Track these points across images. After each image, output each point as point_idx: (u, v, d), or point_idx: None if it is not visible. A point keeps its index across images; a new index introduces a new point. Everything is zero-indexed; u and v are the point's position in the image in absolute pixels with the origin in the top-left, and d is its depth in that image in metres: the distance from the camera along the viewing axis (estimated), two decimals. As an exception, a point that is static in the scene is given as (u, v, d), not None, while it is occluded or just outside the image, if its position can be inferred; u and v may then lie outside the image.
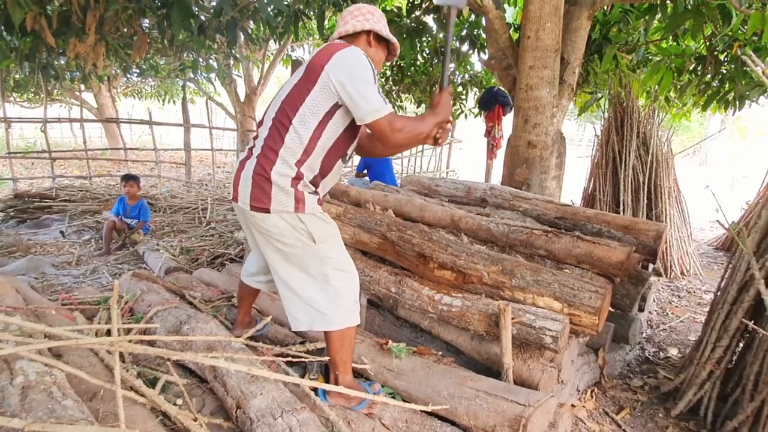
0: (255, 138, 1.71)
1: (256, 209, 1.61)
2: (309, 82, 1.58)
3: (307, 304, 1.69)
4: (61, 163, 9.77)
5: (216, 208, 5.93)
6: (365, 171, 5.82)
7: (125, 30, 4.24)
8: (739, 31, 4.05)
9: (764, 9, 3.32)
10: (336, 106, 1.59)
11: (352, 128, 1.68)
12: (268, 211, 1.60)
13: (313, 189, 1.67)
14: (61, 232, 5.10)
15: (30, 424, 1.13)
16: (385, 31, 1.77)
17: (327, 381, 1.80)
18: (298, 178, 1.60)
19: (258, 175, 1.59)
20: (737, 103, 4.45)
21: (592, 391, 2.38)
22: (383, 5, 6.22)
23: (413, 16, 4.85)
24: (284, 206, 1.59)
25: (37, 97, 12.01)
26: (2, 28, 3.63)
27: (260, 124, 1.72)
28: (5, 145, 6.86)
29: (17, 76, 8.83)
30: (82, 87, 10.29)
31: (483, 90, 6.65)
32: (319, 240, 1.65)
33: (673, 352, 2.90)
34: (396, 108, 7.96)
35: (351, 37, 1.75)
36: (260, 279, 2.02)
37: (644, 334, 3.12)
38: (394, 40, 1.80)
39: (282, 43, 9.11)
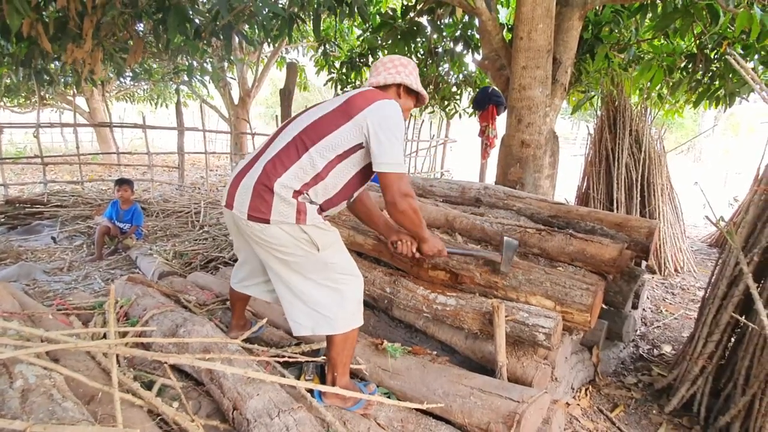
0: (264, 148, 1.70)
1: (254, 219, 1.58)
2: (343, 116, 1.62)
3: (311, 309, 1.69)
4: (52, 168, 9.71)
5: (209, 211, 5.92)
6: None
7: (121, 34, 4.24)
8: (728, 30, 4.10)
9: (751, 8, 3.37)
10: (359, 147, 1.63)
11: (365, 174, 1.71)
12: (267, 221, 1.58)
13: (316, 204, 1.67)
14: (53, 238, 5.06)
15: (31, 426, 1.14)
16: (415, 84, 1.83)
17: (323, 382, 1.81)
18: (301, 192, 1.60)
19: (261, 184, 1.57)
20: (728, 99, 4.51)
21: (586, 389, 2.41)
22: (378, 7, 6.26)
23: (408, 17, 4.88)
24: (285, 217, 1.57)
25: (28, 101, 11.94)
26: (-1, 34, 3.63)
27: (274, 136, 1.71)
28: (-4, 151, 6.81)
29: (8, 80, 8.79)
30: (74, 91, 10.24)
31: (477, 90, 6.69)
32: (322, 248, 1.64)
33: (667, 349, 2.93)
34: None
35: (382, 88, 1.81)
36: (248, 284, 1.99)
37: (638, 332, 3.15)
38: (424, 93, 1.87)
39: (276, 45, 9.12)
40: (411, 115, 10.84)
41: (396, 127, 1.62)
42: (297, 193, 1.58)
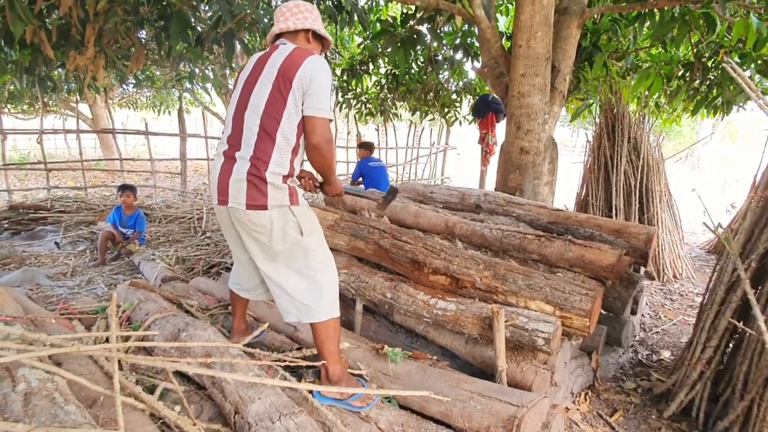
0: (233, 139, 1.77)
1: (252, 207, 1.70)
2: (285, 89, 1.69)
3: (293, 298, 1.80)
4: (55, 174, 9.76)
5: (211, 217, 5.94)
6: (360, 179, 5.88)
7: (123, 42, 4.28)
8: (725, 38, 4.15)
9: (748, 17, 3.41)
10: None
11: None
12: (265, 207, 1.71)
13: (297, 183, 1.84)
14: (56, 243, 5.09)
15: (34, 429, 1.15)
16: (321, 29, 1.90)
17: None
18: (290, 175, 1.75)
19: (252, 176, 1.69)
20: (725, 107, 4.55)
21: (585, 394, 2.42)
22: (378, 15, 6.32)
23: (407, 25, 4.93)
24: (280, 201, 1.72)
25: (32, 108, 12.01)
26: (2, 41, 3.66)
27: (237, 126, 1.77)
28: (0, 157, 6.84)
29: (12, 87, 8.85)
30: (78, 98, 10.31)
31: (476, 97, 6.74)
32: (306, 233, 1.78)
33: (666, 354, 2.94)
34: (391, 115, 8.04)
35: (291, 34, 1.87)
36: (246, 288, 2.08)
37: (637, 337, 3.16)
38: (329, 37, 1.96)
39: (277, 52, 9.17)
40: (411, 122, 10.91)
41: (325, 77, 1.71)
42: (285, 177, 1.74)
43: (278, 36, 1.90)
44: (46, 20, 3.79)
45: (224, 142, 1.81)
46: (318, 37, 1.94)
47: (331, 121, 1.74)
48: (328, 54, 6.77)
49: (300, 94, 1.70)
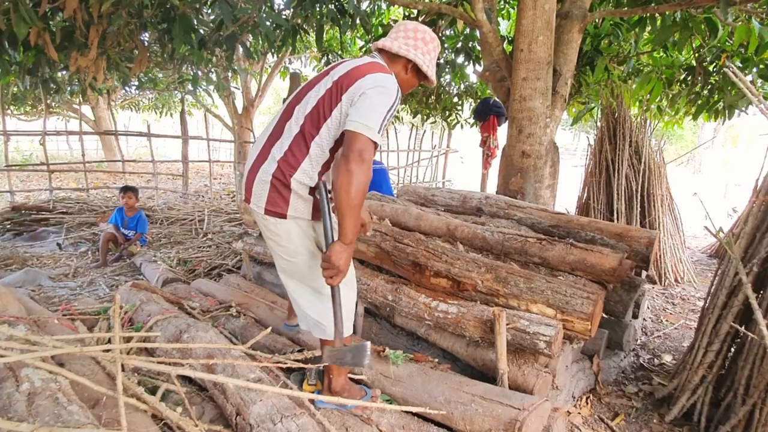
0: (270, 139, 1.66)
1: (270, 213, 1.60)
2: (334, 99, 1.55)
3: (305, 313, 1.75)
4: (57, 175, 9.79)
5: (213, 219, 5.96)
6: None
7: (126, 44, 4.31)
8: (727, 43, 4.16)
9: (749, 22, 3.42)
10: None
11: None
12: (284, 216, 1.60)
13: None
14: (58, 245, 5.10)
15: (37, 429, 1.16)
16: (427, 65, 1.69)
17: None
18: (317, 187, 1.60)
19: (277, 179, 1.57)
20: (726, 112, 4.55)
21: (587, 398, 2.41)
22: (381, 19, 6.35)
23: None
24: (301, 213, 1.61)
25: (35, 110, 12.06)
26: (6, 43, 3.68)
27: (278, 128, 1.66)
28: (3, 158, 6.87)
29: (15, 89, 8.89)
30: (80, 100, 10.35)
31: (478, 101, 6.76)
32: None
33: (668, 358, 2.93)
34: (393, 118, 8.05)
35: (393, 56, 1.69)
36: None
37: (638, 341, 3.16)
38: (433, 78, 1.73)
39: (280, 56, 9.22)
40: (413, 125, 10.95)
41: (382, 96, 1.51)
42: (312, 190, 1.60)
43: (380, 51, 1.71)
44: (50, 22, 3.82)
45: (261, 140, 1.70)
46: (421, 73, 1.73)
47: (375, 146, 1.48)
48: (330, 57, 6.80)
49: (347, 107, 1.52)
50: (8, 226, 5.64)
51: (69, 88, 6.64)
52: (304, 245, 1.65)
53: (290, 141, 1.59)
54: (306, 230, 1.65)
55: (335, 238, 1.54)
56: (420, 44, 1.67)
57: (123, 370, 1.85)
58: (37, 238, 5.36)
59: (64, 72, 5.69)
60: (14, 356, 1.39)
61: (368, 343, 1.61)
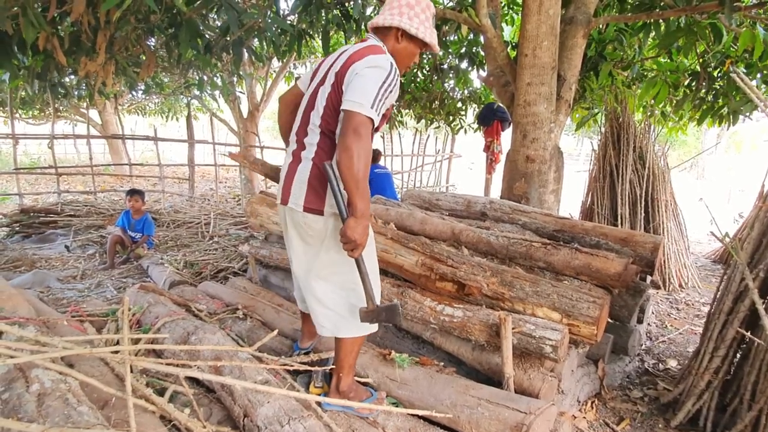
0: (299, 137, 1.71)
1: (309, 210, 1.65)
2: (339, 89, 1.58)
3: (332, 311, 1.75)
4: (65, 178, 9.87)
5: (219, 222, 5.99)
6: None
7: (134, 49, 4.36)
8: (731, 48, 4.16)
9: (754, 27, 3.43)
10: None
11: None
12: (321, 212, 1.65)
13: None
14: (66, 247, 5.14)
15: (48, 429, 1.17)
16: (416, 28, 1.65)
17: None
18: (325, 168, 1.61)
19: (315, 179, 1.63)
20: (731, 117, 4.55)
21: (592, 402, 2.41)
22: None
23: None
24: (335, 208, 1.63)
25: (42, 113, 12.18)
26: (15, 48, 3.73)
27: (304, 124, 1.70)
28: (12, 161, 6.94)
29: (23, 93, 8.99)
30: (88, 104, 10.45)
31: (482, 106, 6.78)
32: None
33: (673, 363, 2.93)
34: (397, 123, 8.09)
35: (384, 30, 1.68)
36: (301, 298, 2.01)
37: (643, 346, 3.15)
38: (427, 38, 1.68)
39: (285, 60, 9.28)
40: (416, 129, 10.97)
41: (374, 72, 1.51)
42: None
43: (375, 31, 1.71)
44: (59, 27, 3.87)
45: (293, 140, 1.74)
46: (413, 39, 1.69)
47: (372, 123, 1.49)
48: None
49: (343, 90, 1.54)
50: (17, 229, 5.69)
51: (77, 93, 6.71)
52: (338, 240, 1.63)
53: (318, 138, 1.65)
54: (338, 224, 1.66)
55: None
56: (405, 9, 1.65)
57: (131, 371, 1.86)
58: (46, 241, 5.41)
59: (72, 76, 5.76)
60: (25, 357, 1.41)
61: (398, 302, 1.68)
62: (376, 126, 1.57)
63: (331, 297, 1.75)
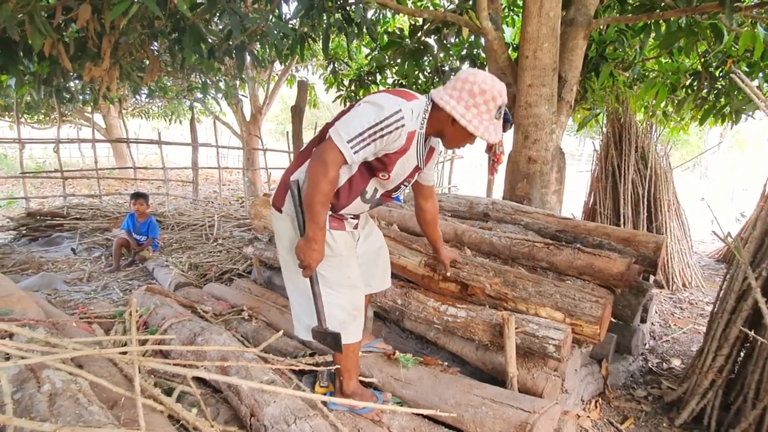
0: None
1: (274, 206, 1.72)
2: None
3: (298, 316, 1.80)
4: (70, 182, 9.93)
5: (223, 225, 6.02)
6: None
7: (138, 54, 4.41)
8: (732, 48, 4.17)
9: (755, 27, 3.44)
10: None
11: (369, 171, 1.62)
12: (280, 211, 1.69)
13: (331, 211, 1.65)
14: (72, 250, 5.19)
15: (60, 428, 1.20)
16: (467, 121, 1.51)
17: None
18: (289, 185, 1.64)
19: (285, 176, 1.70)
20: (733, 116, 4.56)
21: (596, 402, 2.42)
22: (386, 27, 6.42)
23: (415, 37, 5.01)
24: (292, 212, 1.64)
25: (47, 118, 12.27)
26: (21, 54, 3.78)
27: (318, 142, 1.68)
28: (19, 165, 7.01)
29: (28, 98, 9.07)
30: (92, 108, 10.52)
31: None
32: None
33: (676, 362, 2.93)
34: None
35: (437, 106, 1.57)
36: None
37: (647, 345, 3.15)
38: (480, 134, 1.54)
39: (287, 64, 9.34)
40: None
41: (370, 108, 1.46)
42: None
43: None
44: (64, 33, 3.91)
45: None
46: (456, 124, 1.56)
47: (342, 157, 1.45)
48: (336, 65, 6.89)
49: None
50: (24, 232, 5.75)
51: (81, 97, 6.77)
52: (294, 244, 1.64)
53: (303, 147, 1.74)
54: (297, 230, 1.65)
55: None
56: (465, 96, 1.51)
57: (140, 372, 1.89)
58: (52, 243, 5.46)
59: (77, 81, 5.81)
60: (36, 358, 1.43)
61: (341, 333, 1.65)
62: (384, 176, 1.59)
63: (297, 299, 1.77)
